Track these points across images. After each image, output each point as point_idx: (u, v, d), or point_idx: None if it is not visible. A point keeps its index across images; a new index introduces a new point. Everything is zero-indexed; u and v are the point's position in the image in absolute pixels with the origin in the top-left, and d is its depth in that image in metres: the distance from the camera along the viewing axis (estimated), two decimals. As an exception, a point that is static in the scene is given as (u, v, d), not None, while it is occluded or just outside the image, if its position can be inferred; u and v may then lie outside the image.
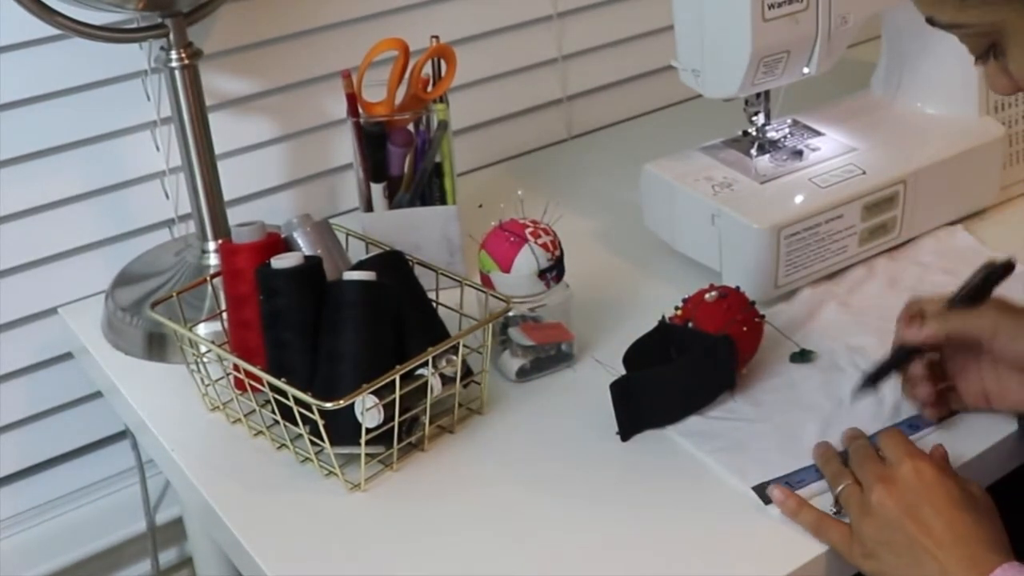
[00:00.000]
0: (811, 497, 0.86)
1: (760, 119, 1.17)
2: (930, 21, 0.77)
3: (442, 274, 1.03)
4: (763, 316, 1.00)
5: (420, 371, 0.92)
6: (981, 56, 0.79)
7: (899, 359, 0.91)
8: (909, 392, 0.93)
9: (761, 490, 0.87)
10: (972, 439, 0.92)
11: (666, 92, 1.55)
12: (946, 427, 0.93)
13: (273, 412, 0.94)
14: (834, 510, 0.84)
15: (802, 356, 1.03)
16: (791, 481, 0.88)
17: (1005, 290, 0.93)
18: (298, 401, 0.88)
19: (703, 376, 0.96)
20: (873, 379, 0.91)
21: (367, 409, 0.88)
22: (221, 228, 1.15)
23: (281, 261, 0.94)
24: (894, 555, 0.78)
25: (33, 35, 1.12)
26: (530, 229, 1.00)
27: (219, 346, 0.96)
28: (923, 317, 0.91)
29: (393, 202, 1.14)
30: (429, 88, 1.13)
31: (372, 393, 0.88)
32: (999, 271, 0.91)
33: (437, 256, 1.11)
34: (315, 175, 1.35)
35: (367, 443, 0.89)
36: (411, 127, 1.14)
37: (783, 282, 1.09)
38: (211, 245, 1.15)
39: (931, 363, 0.93)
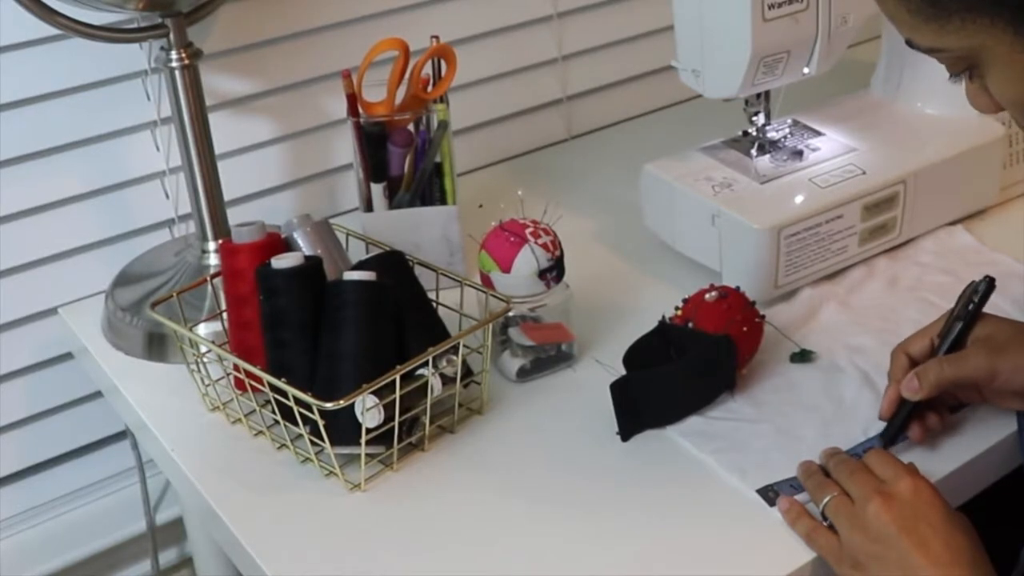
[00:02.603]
0: (811, 500, 0.86)
1: (760, 119, 1.17)
2: (909, 43, 0.77)
3: (442, 274, 1.03)
4: (763, 316, 1.00)
5: (420, 371, 0.92)
6: (958, 76, 0.78)
7: (907, 415, 0.90)
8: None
9: (765, 493, 0.87)
10: (970, 441, 0.92)
11: (666, 92, 1.55)
12: (941, 434, 0.93)
13: (273, 412, 0.94)
14: (825, 523, 0.83)
15: (802, 356, 1.03)
16: (795, 484, 0.88)
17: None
18: (298, 401, 0.88)
19: (703, 376, 0.96)
20: (890, 440, 0.91)
21: (367, 409, 0.88)
22: (221, 228, 1.15)
23: (281, 261, 0.94)
24: (885, 569, 0.78)
25: (33, 35, 1.12)
26: (530, 229, 1.00)
27: (219, 346, 0.96)
28: (916, 364, 0.91)
29: (393, 202, 1.14)
30: (429, 88, 1.13)
31: (372, 393, 0.88)
32: (982, 294, 0.91)
33: (437, 256, 1.11)
34: (315, 175, 1.35)
35: (367, 443, 0.89)
36: (411, 127, 1.14)
37: (783, 282, 1.09)
38: (211, 245, 1.15)
39: None
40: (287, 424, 0.93)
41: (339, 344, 0.91)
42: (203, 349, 0.99)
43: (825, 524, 0.83)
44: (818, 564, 0.83)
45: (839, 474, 0.84)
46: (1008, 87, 0.75)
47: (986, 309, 0.91)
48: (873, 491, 0.80)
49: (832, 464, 0.86)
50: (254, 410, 0.98)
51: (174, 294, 1.01)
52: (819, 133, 1.20)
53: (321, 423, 0.88)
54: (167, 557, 1.36)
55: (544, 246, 0.99)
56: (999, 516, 0.94)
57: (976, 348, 0.89)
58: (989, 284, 0.91)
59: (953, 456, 0.91)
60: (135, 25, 1.14)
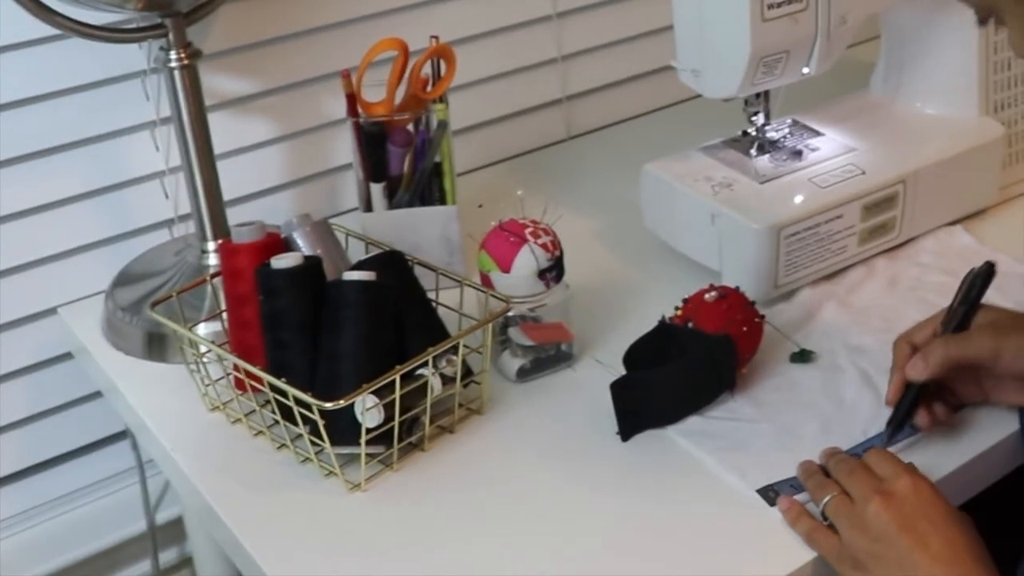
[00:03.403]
0: (811, 500, 0.86)
1: (760, 119, 1.17)
2: None
3: (442, 274, 1.03)
4: (763, 316, 1.00)
5: (420, 371, 0.92)
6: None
7: (914, 400, 0.90)
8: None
9: (766, 493, 0.87)
10: (972, 439, 0.92)
11: (666, 92, 1.55)
12: (947, 427, 0.93)
13: (273, 412, 0.94)
14: (826, 523, 0.84)
15: (802, 356, 1.03)
16: (795, 484, 0.88)
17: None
18: (298, 401, 0.88)
19: (703, 376, 0.96)
20: (899, 425, 0.91)
21: (367, 409, 0.88)
22: (221, 228, 1.15)
23: (281, 261, 0.94)
24: (884, 568, 0.78)
25: (32, 35, 1.11)
26: (530, 229, 1.00)
27: (219, 346, 0.96)
28: (918, 349, 0.91)
29: (393, 202, 1.14)
30: (429, 88, 1.13)
31: (372, 393, 0.88)
32: (983, 278, 0.91)
33: (437, 256, 1.11)
34: (315, 175, 1.35)
35: (367, 443, 0.89)
36: (411, 127, 1.14)
37: (783, 282, 1.09)
38: (211, 245, 1.15)
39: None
40: (287, 424, 0.93)
41: (339, 344, 0.91)
42: (203, 349, 0.99)
43: (825, 524, 0.83)
44: (818, 564, 0.83)
45: (838, 473, 0.84)
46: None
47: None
48: (872, 490, 0.80)
49: (832, 464, 0.86)
50: (254, 410, 0.98)
51: (174, 294, 1.01)
52: (819, 133, 1.20)
53: (321, 423, 0.88)
54: (167, 557, 1.36)
55: (544, 246, 0.99)
56: (1000, 515, 0.94)
57: (980, 329, 0.90)
58: (989, 269, 0.91)
59: (954, 455, 0.90)
60: (134, 25, 1.13)
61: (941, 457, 0.90)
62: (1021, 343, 0.88)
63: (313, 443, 0.91)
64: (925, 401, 0.91)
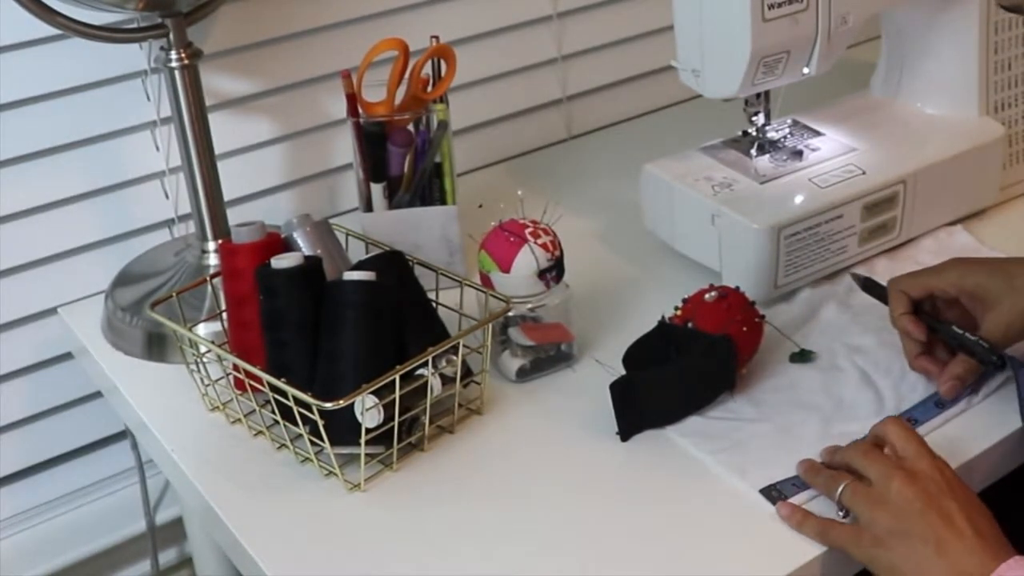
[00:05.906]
0: (815, 498, 0.86)
1: (760, 119, 1.17)
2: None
3: (442, 274, 1.03)
4: (763, 316, 1.00)
5: (420, 371, 0.92)
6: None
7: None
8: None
9: (768, 492, 0.87)
10: (973, 438, 0.92)
11: (666, 92, 1.55)
12: (947, 426, 0.93)
13: (273, 412, 0.94)
14: (841, 514, 0.84)
15: (802, 356, 1.03)
16: (798, 483, 0.88)
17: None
18: (298, 401, 0.88)
19: (703, 376, 0.96)
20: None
21: (367, 409, 0.88)
22: (221, 228, 1.15)
23: (281, 261, 0.94)
24: (908, 544, 0.78)
25: (33, 35, 1.12)
26: (530, 229, 1.00)
27: (219, 346, 0.96)
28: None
29: (393, 202, 1.14)
30: (429, 88, 1.13)
31: (372, 393, 0.88)
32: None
33: (437, 256, 1.11)
34: (315, 175, 1.35)
35: (367, 443, 0.89)
36: (411, 127, 1.14)
37: (783, 282, 1.09)
38: (211, 245, 1.15)
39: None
40: (287, 424, 0.93)
41: (339, 344, 0.91)
42: (203, 349, 0.99)
43: (840, 514, 0.83)
44: (821, 562, 0.83)
45: (851, 457, 0.85)
46: None
47: None
48: (894, 468, 0.81)
49: (839, 452, 0.87)
50: (254, 410, 0.98)
51: (174, 294, 1.01)
52: (819, 133, 1.20)
53: (321, 423, 0.88)
54: (167, 557, 1.36)
55: (544, 246, 0.99)
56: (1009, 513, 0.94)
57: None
58: (864, 282, 1.01)
59: (954, 455, 0.90)
60: (135, 25, 1.14)
61: (945, 454, 0.90)
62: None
63: (313, 443, 0.91)
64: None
